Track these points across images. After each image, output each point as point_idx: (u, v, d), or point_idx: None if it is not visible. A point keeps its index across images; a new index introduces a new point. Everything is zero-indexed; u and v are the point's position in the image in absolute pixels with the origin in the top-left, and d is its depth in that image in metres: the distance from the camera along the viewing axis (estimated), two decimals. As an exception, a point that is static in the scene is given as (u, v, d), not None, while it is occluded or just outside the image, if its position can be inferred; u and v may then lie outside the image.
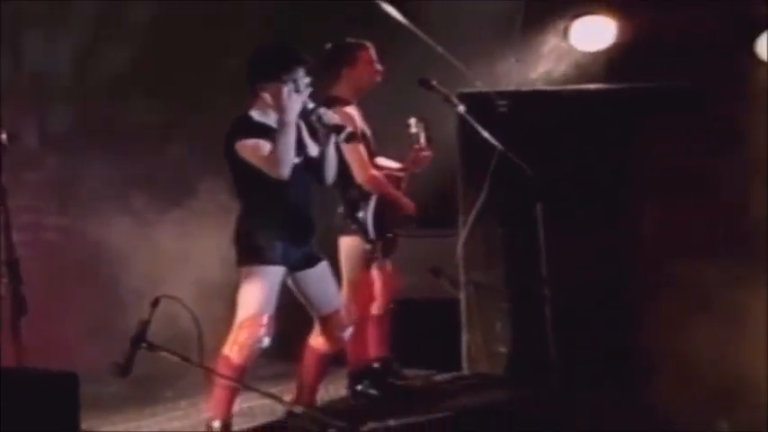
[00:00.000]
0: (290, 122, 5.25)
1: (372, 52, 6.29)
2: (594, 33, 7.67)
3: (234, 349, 5.29)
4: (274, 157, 5.22)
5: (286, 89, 5.26)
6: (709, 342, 6.91)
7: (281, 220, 5.37)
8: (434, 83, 6.33)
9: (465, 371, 7.27)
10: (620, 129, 7.16)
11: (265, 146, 5.25)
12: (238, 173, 5.37)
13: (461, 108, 6.44)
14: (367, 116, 6.32)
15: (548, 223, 6.61)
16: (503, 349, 7.27)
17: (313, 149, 5.46)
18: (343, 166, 5.87)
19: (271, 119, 5.37)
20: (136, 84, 7.26)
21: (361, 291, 6.22)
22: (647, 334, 7.03)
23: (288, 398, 5.68)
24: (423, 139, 6.38)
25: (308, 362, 5.76)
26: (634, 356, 7.05)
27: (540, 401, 6.54)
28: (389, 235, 6.30)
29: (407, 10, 6.70)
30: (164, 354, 4.37)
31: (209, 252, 6.64)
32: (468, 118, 6.48)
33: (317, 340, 5.70)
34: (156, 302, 4.39)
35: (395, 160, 6.54)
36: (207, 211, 6.98)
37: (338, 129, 5.42)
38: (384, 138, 6.47)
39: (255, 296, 5.32)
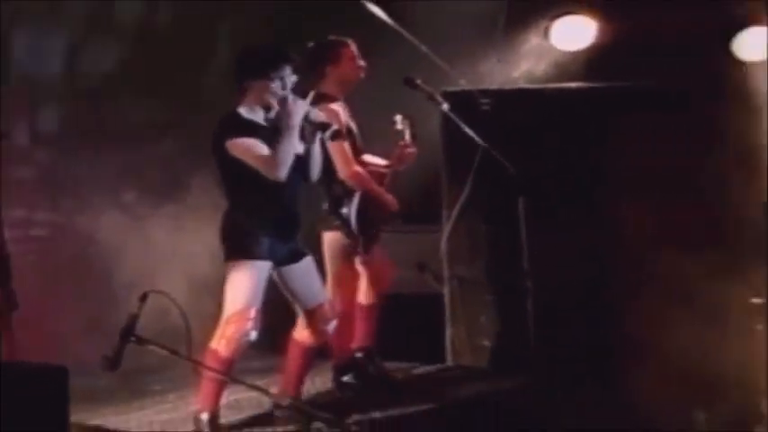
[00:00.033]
0: (293, 126, 5.34)
1: (354, 48, 6.33)
2: (575, 33, 7.69)
3: (221, 343, 5.34)
4: (275, 159, 5.30)
5: (272, 86, 5.37)
6: (691, 339, 6.97)
7: (268, 215, 5.44)
8: (419, 81, 6.39)
9: (449, 364, 7.33)
10: (597, 127, 7.23)
11: (260, 146, 5.33)
12: (226, 170, 5.43)
13: (445, 106, 6.50)
14: (353, 113, 6.36)
15: (530, 221, 6.66)
16: (486, 342, 7.34)
17: (299, 147, 5.51)
18: (327, 162, 5.92)
19: (258, 116, 5.46)
20: (128, 82, 7.29)
21: (344, 285, 6.27)
22: (629, 331, 7.09)
23: (274, 390, 5.70)
24: (408, 136, 6.42)
25: (293, 355, 5.80)
26: (616, 354, 7.13)
27: (523, 393, 6.59)
28: (373, 231, 6.38)
29: (393, 10, 6.76)
30: (152, 347, 4.42)
31: (202, 247, 6.69)
32: (452, 116, 6.54)
33: (301, 334, 5.75)
34: (144, 297, 4.44)
35: (381, 157, 6.57)
36: (199, 207, 7.02)
37: (324, 126, 5.51)
38: (370, 135, 6.51)
39: (243, 291, 5.37)
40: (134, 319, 4.42)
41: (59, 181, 7.18)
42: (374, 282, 6.46)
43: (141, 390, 6.55)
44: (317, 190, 6.15)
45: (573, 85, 7.52)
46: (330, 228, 6.27)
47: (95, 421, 5.81)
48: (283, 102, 5.37)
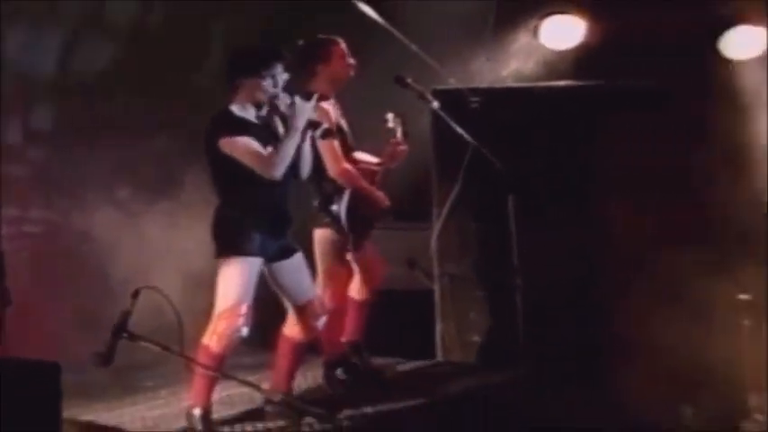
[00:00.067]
0: (298, 128, 5.40)
1: (344, 46, 6.36)
2: (564, 32, 7.72)
3: (213, 339, 5.38)
4: (274, 159, 5.36)
5: (264, 84, 5.43)
6: (679, 336, 7.00)
7: (260, 212, 5.48)
8: (409, 80, 6.43)
9: (439, 359, 7.37)
10: (586, 126, 7.27)
11: (254, 144, 5.37)
12: (218, 167, 5.48)
13: (435, 104, 6.54)
14: (345, 111, 6.40)
15: (519, 219, 6.69)
16: (476, 338, 7.37)
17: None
18: (318, 160, 5.96)
19: (250, 114, 5.52)
20: (122, 80, 7.31)
21: (334, 281, 6.30)
22: (617, 330, 7.13)
23: (266, 386, 5.72)
24: (399, 134, 6.44)
25: (283, 351, 5.83)
26: (604, 352, 7.17)
27: (512, 388, 6.63)
28: (363, 228, 6.43)
29: (384, 10, 6.81)
30: (144, 343, 4.46)
31: (195, 244, 6.68)
32: (442, 114, 6.57)
33: (291, 330, 5.78)
34: (136, 293, 4.49)
35: (372, 154, 6.59)
36: (193, 204, 7.05)
37: (314, 125, 5.56)
38: (362, 133, 6.54)
39: (234, 287, 5.41)
40: (126, 315, 4.46)
41: (53, 178, 7.19)
42: (365, 278, 6.50)
43: (133, 386, 6.58)
44: (308, 187, 6.19)
45: (562, 83, 7.55)
46: (320, 225, 6.31)
47: (88, 417, 5.83)
48: (291, 104, 5.41)
